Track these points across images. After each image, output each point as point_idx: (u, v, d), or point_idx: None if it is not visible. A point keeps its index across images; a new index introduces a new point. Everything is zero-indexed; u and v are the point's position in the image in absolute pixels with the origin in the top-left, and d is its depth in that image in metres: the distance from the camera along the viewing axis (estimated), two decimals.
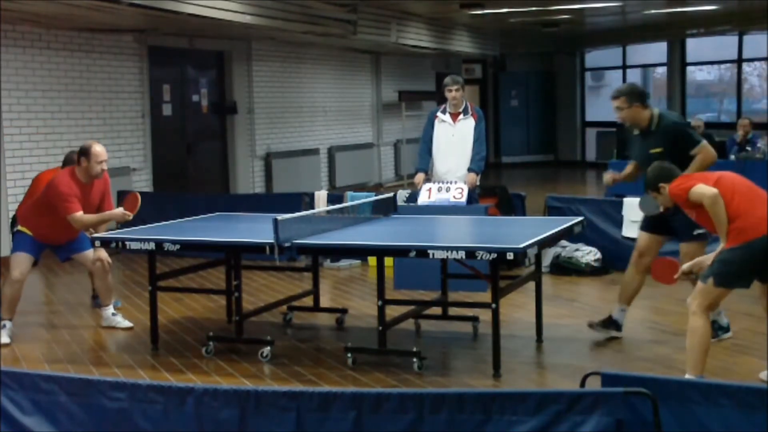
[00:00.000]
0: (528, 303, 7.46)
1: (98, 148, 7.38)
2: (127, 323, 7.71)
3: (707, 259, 5.62)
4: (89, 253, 7.60)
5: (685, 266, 5.73)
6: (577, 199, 9.78)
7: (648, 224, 6.81)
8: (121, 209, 7.40)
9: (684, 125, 6.87)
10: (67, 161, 7.95)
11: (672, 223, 6.61)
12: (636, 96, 6.70)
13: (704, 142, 6.60)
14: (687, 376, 5.33)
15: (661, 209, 6.09)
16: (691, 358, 5.44)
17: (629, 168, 7.03)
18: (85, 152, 7.35)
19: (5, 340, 7.22)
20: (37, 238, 7.45)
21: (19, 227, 7.53)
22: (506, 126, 24.28)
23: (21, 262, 7.38)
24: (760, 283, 5.74)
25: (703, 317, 5.45)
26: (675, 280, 5.76)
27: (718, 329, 6.81)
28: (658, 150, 6.53)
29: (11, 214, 10.77)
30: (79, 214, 7.24)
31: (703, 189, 5.48)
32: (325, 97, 17.68)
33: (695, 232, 6.50)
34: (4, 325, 7.28)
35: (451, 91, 9.19)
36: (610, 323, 6.97)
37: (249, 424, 3.76)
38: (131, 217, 7.39)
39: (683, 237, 6.63)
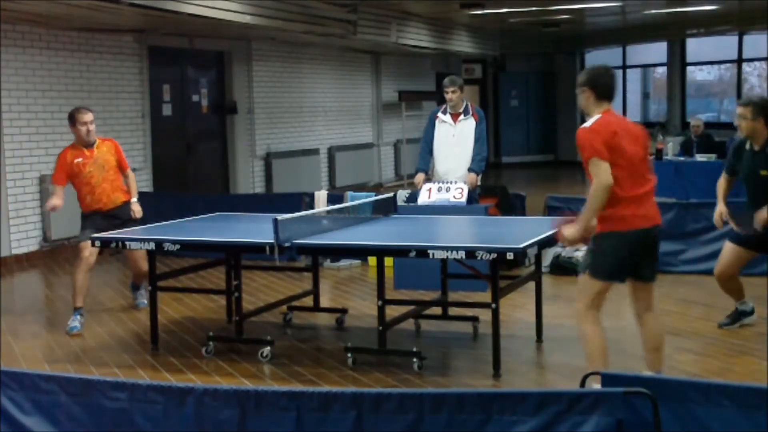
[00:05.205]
0: (528, 303, 7.45)
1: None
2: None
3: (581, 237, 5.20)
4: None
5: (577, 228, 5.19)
6: (577, 199, 9.74)
7: (739, 237, 6.80)
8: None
9: None
10: (70, 117, 8.05)
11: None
12: (762, 110, 6.58)
13: None
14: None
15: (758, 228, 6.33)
16: (593, 366, 5.03)
17: (723, 185, 6.98)
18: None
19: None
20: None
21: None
22: (506, 126, 24.28)
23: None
24: (632, 280, 5.44)
25: (589, 320, 5.25)
26: (559, 234, 5.31)
27: (741, 315, 7.05)
28: (765, 172, 6.57)
29: (11, 213, 10.82)
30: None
31: (602, 172, 5.02)
32: (325, 97, 17.67)
33: None
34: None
35: (447, 92, 9.20)
36: (740, 314, 7.10)
37: (249, 424, 3.75)
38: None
39: None
